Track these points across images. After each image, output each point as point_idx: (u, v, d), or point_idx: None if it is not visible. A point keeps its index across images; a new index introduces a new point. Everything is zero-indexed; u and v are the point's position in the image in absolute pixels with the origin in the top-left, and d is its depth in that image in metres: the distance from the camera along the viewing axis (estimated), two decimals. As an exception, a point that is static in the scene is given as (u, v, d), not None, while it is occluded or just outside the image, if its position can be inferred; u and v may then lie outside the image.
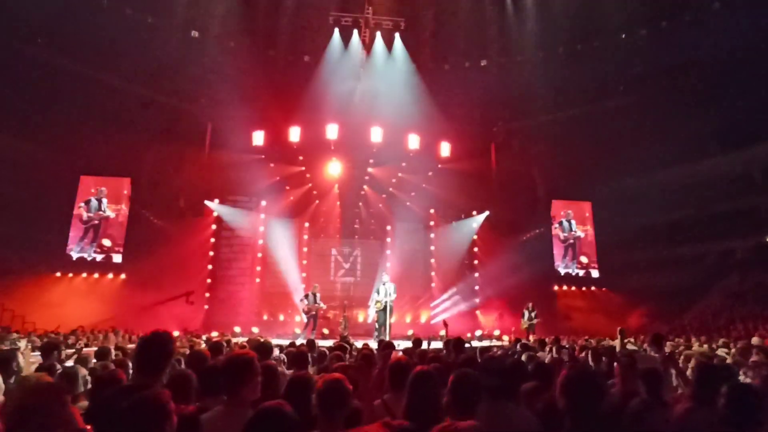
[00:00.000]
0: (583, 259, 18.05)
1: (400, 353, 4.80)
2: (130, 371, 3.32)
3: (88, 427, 1.90)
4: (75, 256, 15.31)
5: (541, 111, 17.34)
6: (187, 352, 4.60)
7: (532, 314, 12.74)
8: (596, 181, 17.66)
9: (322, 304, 12.49)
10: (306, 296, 12.37)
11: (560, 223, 18.17)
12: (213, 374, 2.61)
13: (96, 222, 15.69)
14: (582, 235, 18.18)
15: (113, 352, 4.60)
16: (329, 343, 8.27)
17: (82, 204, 15.66)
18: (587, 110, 17.24)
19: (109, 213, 15.82)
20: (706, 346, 8.20)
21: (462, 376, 2.15)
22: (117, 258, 15.57)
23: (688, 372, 4.33)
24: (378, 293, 11.97)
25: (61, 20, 14.33)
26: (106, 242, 15.66)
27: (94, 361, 4.23)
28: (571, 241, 18.09)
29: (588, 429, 1.67)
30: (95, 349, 5.01)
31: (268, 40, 16.82)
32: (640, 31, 16.46)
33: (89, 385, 3.07)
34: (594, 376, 2.13)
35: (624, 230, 18.02)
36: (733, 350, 6.29)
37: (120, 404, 1.59)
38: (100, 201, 15.85)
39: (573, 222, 18.20)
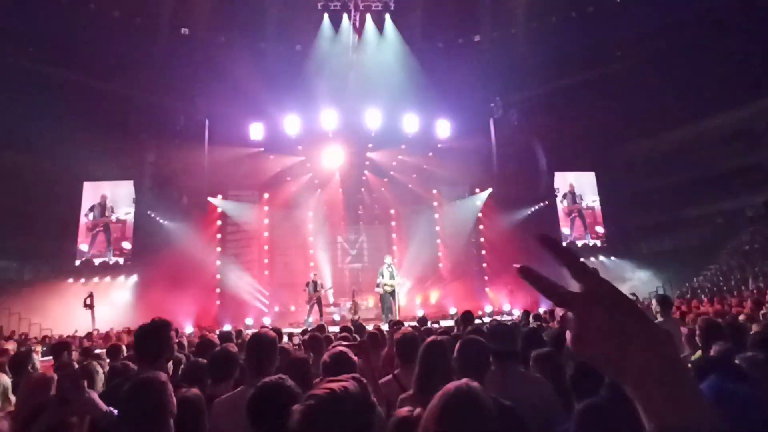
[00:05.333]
0: (599, 229, 18.02)
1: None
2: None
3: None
4: (97, 262, 15.67)
5: (537, 83, 17.04)
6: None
7: None
8: (599, 149, 17.46)
9: (321, 291, 12.66)
10: (307, 284, 12.50)
11: (564, 196, 18.07)
12: (220, 360, 2.63)
13: (101, 228, 15.91)
14: (592, 205, 18.10)
15: (125, 350, 4.64)
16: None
17: (88, 212, 15.87)
18: (584, 78, 16.98)
19: (114, 217, 16.03)
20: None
21: (469, 341, 2.15)
22: (127, 260, 15.86)
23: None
24: (382, 276, 11.95)
25: (50, 28, 14.27)
26: (126, 245, 16.01)
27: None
28: (575, 214, 18.03)
29: None
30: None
31: (258, 32, 16.64)
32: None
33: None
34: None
35: (629, 197, 17.91)
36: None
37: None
38: (103, 206, 16.02)
39: (578, 194, 18.11)
